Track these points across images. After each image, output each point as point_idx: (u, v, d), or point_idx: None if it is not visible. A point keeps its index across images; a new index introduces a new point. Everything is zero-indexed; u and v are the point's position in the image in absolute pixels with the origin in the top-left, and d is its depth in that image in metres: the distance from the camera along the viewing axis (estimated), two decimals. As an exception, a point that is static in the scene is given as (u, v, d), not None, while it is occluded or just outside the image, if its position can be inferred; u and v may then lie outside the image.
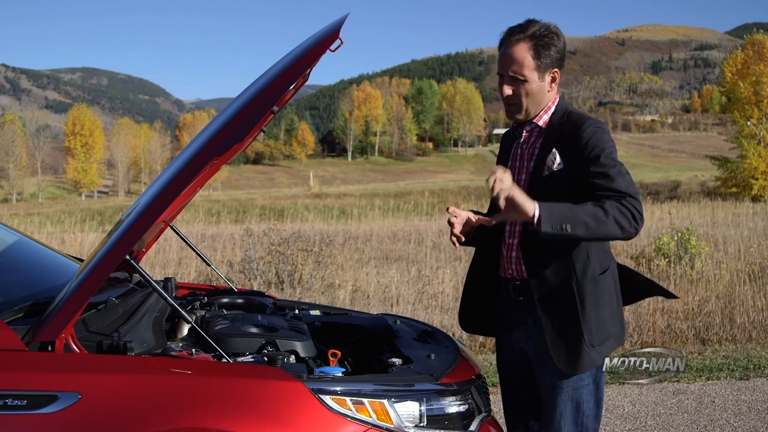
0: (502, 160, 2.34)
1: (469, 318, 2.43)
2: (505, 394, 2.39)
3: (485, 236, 2.30)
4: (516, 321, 2.24)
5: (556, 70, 2.16)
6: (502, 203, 1.94)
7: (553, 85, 2.18)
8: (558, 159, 2.12)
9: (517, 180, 2.17)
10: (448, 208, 2.20)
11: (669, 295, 2.35)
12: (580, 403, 2.15)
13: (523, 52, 2.10)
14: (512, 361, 2.30)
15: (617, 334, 2.17)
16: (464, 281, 2.43)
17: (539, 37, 2.10)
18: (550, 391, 2.16)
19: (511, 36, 2.12)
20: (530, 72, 2.11)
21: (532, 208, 1.94)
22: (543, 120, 2.20)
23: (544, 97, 2.17)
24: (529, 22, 2.14)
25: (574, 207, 1.97)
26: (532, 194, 2.06)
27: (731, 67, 34.33)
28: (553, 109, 2.20)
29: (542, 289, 2.13)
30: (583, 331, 2.07)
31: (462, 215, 2.17)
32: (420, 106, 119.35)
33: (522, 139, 2.24)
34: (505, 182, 1.94)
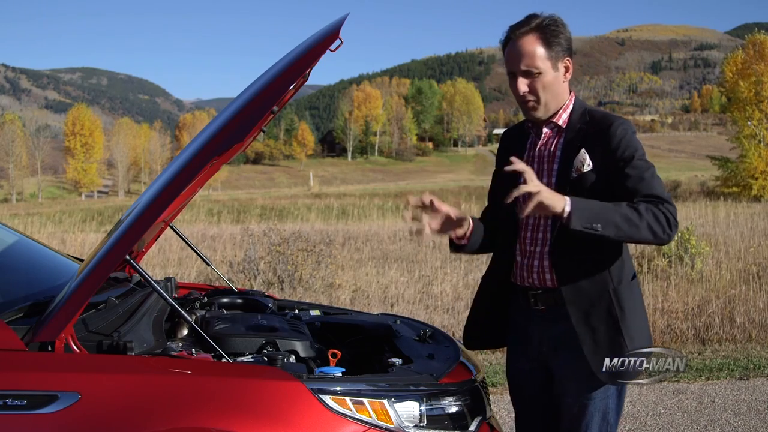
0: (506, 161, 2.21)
1: (480, 333, 2.32)
2: (518, 406, 2.31)
3: (492, 243, 2.24)
4: (535, 332, 2.15)
5: (568, 58, 2.07)
6: (530, 209, 1.84)
7: (567, 75, 2.08)
8: (588, 160, 2.02)
9: None
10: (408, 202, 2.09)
11: None
12: (606, 413, 2.09)
13: (532, 43, 2.01)
14: (527, 373, 2.21)
15: (647, 341, 2.12)
16: (476, 294, 2.33)
17: (545, 27, 2.03)
18: (577, 402, 2.09)
19: (517, 30, 2.04)
20: (543, 62, 2.02)
21: (562, 202, 1.86)
22: (562, 119, 2.10)
23: (561, 89, 2.08)
24: (531, 16, 2.07)
25: (607, 206, 1.89)
26: None
27: (732, 67, 34.33)
28: (571, 107, 2.11)
29: (577, 298, 2.04)
30: (624, 339, 2.02)
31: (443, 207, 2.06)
32: (420, 106, 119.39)
33: (540, 140, 2.14)
34: (536, 186, 1.85)
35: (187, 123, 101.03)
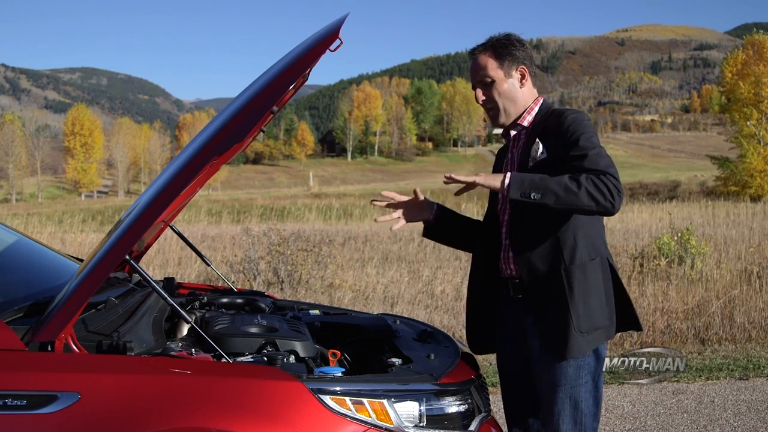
0: (498, 166, 2.44)
1: (481, 333, 2.40)
2: (505, 392, 2.40)
3: (468, 237, 2.46)
4: (515, 319, 2.27)
5: (522, 66, 2.26)
6: (464, 190, 2.19)
7: (524, 81, 2.27)
8: (541, 148, 2.19)
9: None
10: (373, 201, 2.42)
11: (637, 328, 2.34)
12: (578, 401, 2.16)
13: (484, 59, 2.26)
14: (511, 359, 2.32)
15: (607, 327, 2.19)
16: (467, 298, 2.44)
17: (496, 43, 2.26)
18: (549, 388, 2.18)
19: (474, 51, 2.29)
20: (494, 71, 2.24)
21: (500, 177, 2.06)
22: (527, 120, 2.28)
23: (518, 94, 2.26)
24: (489, 38, 2.29)
25: (546, 177, 2.03)
26: None
27: (731, 67, 34.31)
28: (536, 109, 2.29)
29: (532, 278, 2.18)
30: (571, 316, 2.10)
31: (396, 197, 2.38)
32: (420, 106, 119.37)
33: (512, 143, 2.34)
34: (462, 176, 2.12)
35: (187, 123, 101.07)
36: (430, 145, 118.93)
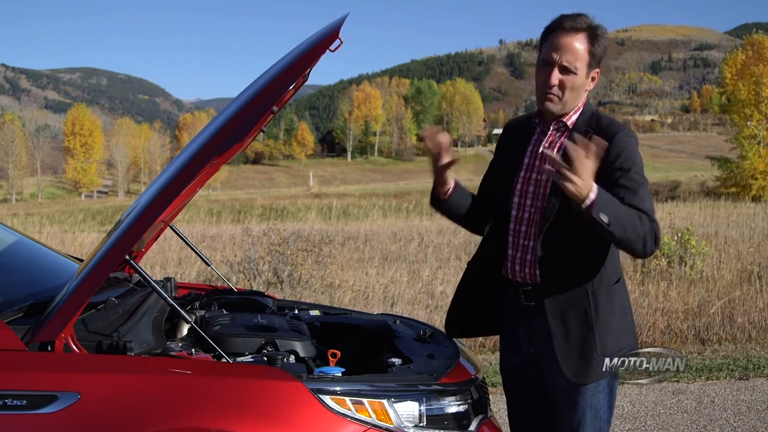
0: (512, 153, 2.23)
1: (461, 320, 2.38)
2: (511, 401, 2.34)
3: (469, 219, 2.32)
4: (525, 327, 2.19)
5: (597, 70, 2.12)
6: (562, 183, 1.84)
7: (592, 84, 2.13)
8: None
9: (536, 179, 2.13)
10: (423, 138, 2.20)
11: None
12: (598, 408, 2.11)
13: (582, 43, 2.04)
14: (518, 367, 2.25)
15: (632, 344, 2.14)
16: (461, 281, 2.37)
17: (594, 30, 2.06)
18: (568, 396, 2.12)
19: (569, 23, 2.05)
20: (582, 65, 2.06)
21: (588, 189, 1.84)
22: (571, 120, 2.13)
23: (581, 95, 2.12)
24: (583, 15, 2.08)
25: (620, 205, 1.91)
26: (553, 196, 2.05)
27: (731, 68, 34.27)
28: (581, 110, 2.14)
29: (555, 295, 2.08)
30: (596, 341, 2.04)
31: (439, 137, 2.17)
32: (419, 106, 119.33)
33: (546, 138, 2.16)
34: (556, 160, 1.85)
35: (187, 123, 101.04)
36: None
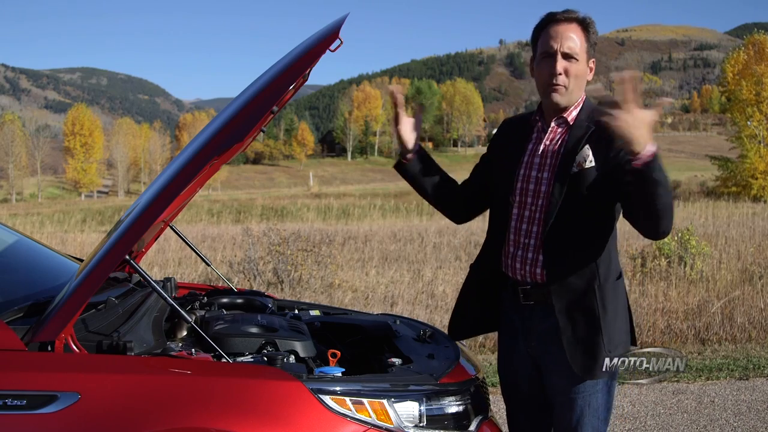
0: (511, 151, 2.21)
1: (465, 323, 2.36)
2: (509, 399, 2.34)
3: (443, 198, 2.35)
4: (525, 326, 2.18)
5: (593, 59, 2.13)
6: (618, 121, 1.74)
7: (590, 75, 2.12)
8: (591, 156, 2.03)
9: (537, 177, 2.12)
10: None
11: None
12: (596, 407, 2.12)
13: (577, 31, 2.07)
14: (517, 367, 2.25)
15: (625, 342, 2.14)
16: (464, 283, 2.36)
17: (584, 21, 2.09)
18: (566, 395, 2.12)
19: (562, 15, 2.08)
20: (582, 53, 2.07)
21: (648, 139, 1.75)
22: (572, 116, 2.12)
23: (583, 86, 2.11)
24: (571, 11, 2.11)
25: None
26: (556, 192, 2.04)
27: (733, 68, 34.27)
28: (581, 106, 2.13)
29: (564, 293, 2.06)
30: (603, 337, 2.04)
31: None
32: (420, 105, 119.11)
33: (546, 135, 2.15)
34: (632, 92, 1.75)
35: (187, 123, 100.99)
36: (430, 145, 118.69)
